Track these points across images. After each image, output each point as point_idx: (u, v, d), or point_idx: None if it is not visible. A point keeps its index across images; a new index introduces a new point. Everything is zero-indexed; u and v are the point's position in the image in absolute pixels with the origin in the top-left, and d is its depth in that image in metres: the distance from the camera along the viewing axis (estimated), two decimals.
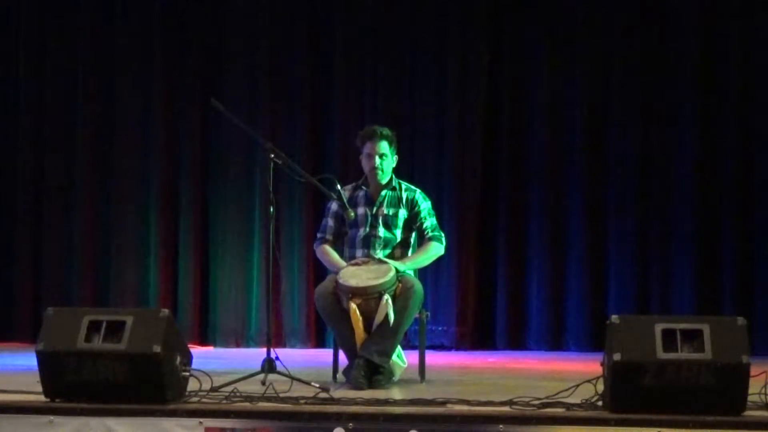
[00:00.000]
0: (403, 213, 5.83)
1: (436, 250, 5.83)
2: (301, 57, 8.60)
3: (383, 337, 5.42)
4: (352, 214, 5.79)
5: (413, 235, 5.88)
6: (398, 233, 5.81)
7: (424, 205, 5.87)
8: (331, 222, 5.91)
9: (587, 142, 8.23)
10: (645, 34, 8.20)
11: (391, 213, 5.82)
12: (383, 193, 5.86)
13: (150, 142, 8.72)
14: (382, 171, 5.80)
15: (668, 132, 8.14)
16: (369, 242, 5.79)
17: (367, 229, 5.81)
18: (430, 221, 5.85)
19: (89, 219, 8.73)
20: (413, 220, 5.84)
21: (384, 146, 5.79)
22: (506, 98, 8.38)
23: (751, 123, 8.04)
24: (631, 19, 8.24)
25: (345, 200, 5.78)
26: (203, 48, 8.70)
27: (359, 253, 5.78)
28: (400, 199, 5.85)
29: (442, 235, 5.88)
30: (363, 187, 5.91)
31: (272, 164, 5.41)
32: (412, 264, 5.78)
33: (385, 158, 5.80)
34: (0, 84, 8.89)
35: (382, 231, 5.80)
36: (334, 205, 5.87)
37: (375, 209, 5.83)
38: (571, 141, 8.29)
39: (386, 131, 5.83)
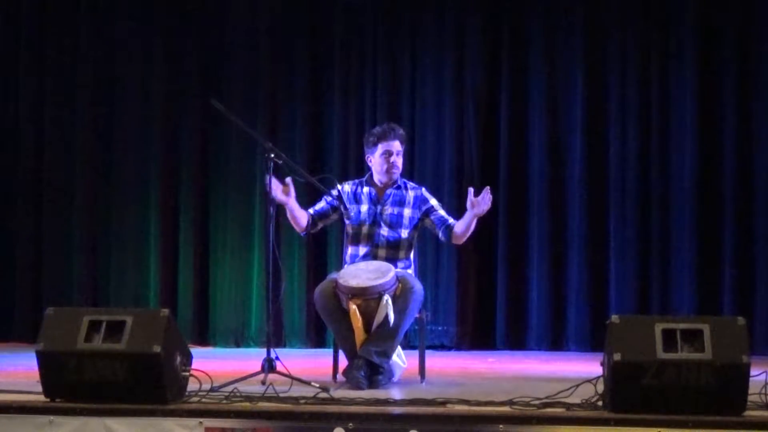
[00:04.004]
0: (409, 212, 5.83)
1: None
2: (302, 56, 8.60)
3: (383, 337, 5.42)
4: (352, 214, 5.79)
5: (416, 235, 5.89)
6: (401, 232, 5.81)
7: (434, 198, 5.90)
8: (323, 203, 5.89)
9: (587, 141, 8.23)
10: (645, 33, 8.20)
11: (395, 212, 5.83)
12: (389, 192, 5.86)
13: (150, 142, 8.72)
14: (399, 168, 5.83)
15: (668, 132, 8.14)
16: (372, 240, 5.79)
17: (370, 227, 5.81)
18: (443, 210, 5.88)
19: (89, 219, 8.73)
20: (427, 214, 5.84)
21: (399, 144, 5.81)
22: (506, 97, 8.37)
23: (751, 123, 8.03)
24: (631, 17, 8.23)
25: (345, 200, 5.78)
26: (203, 48, 8.70)
27: (362, 250, 5.79)
28: (406, 198, 5.85)
29: None
30: (368, 185, 5.90)
31: (272, 164, 5.41)
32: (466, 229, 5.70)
33: (399, 155, 5.82)
34: (0, 84, 8.89)
35: (385, 230, 5.80)
36: (332, 196, 5.86)
37: (380, 208, 5.83)
38: (571, 140, 8.28)
39: (401, 129, 5.86)
